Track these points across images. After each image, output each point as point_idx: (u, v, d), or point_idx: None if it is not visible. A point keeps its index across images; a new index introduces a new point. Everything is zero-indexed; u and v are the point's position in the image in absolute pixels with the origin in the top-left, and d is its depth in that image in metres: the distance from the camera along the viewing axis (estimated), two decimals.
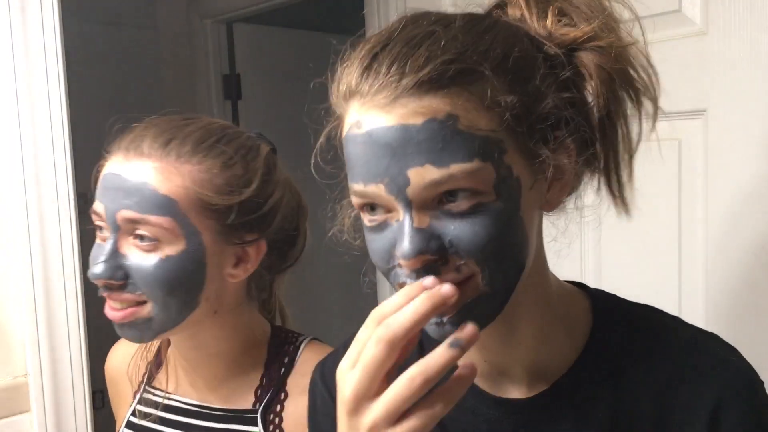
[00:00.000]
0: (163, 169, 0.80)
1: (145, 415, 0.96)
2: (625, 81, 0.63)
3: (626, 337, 0.68)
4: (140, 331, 0.84)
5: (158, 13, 2.90)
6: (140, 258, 0.80)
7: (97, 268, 0.80)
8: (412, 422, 0.53)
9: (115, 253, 0.81)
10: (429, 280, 0.56)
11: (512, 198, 0.58)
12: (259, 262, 0.88)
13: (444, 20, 0.60)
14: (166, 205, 0.79)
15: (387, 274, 0.61)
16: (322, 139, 0.68)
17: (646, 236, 1.22)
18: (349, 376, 0.54)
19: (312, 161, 0.69)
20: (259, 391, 0.90)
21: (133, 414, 0.98)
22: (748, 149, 1.14)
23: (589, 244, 1.27)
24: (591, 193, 0.68)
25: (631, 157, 0.65)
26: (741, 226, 1.16)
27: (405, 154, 0.55)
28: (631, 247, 1.21)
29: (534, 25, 0.63)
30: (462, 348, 0.53)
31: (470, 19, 0.62)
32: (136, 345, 0.99)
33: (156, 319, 0.82)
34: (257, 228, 0.86)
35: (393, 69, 0.56)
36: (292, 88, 2.91)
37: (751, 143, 1.14)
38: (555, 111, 0.59)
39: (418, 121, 0.55)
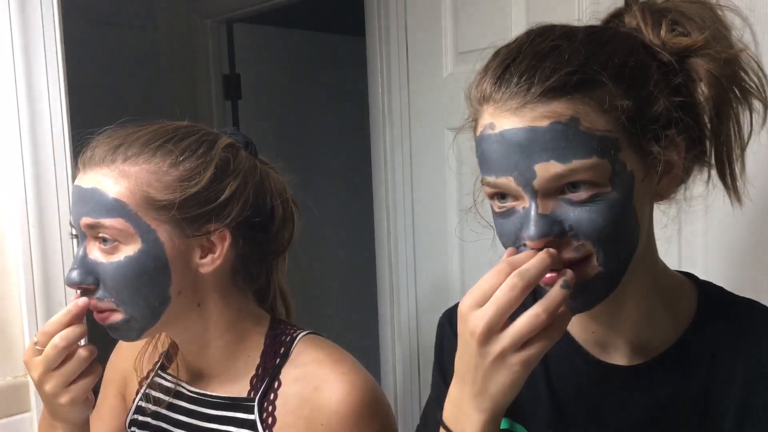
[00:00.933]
0: (110, 173, 0.85)
1: (157, 401, 0.99)
2: (734, 84, 0.70)
3: (727, 324, 0.74)
4: (124, 331, 0.89)
5: (158, 13, 2.90)
6: (104, 260, 0.85)
7: (70, 274, 0.86)
8: (533, 348, 0.63)
9: (85, 259, 0.86)
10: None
11: (626, 190, 0.66)
12: (238, 251, 0.91)
13: (568, 34, 0.69)
14: (116, 208, 0.84)
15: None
16: (457, 132, 0.78)
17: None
18: (479, 312, 0.63)
19: (450, 152, 0.80)
20: (254, 380, 0.93)
21: (143, 399, 1.01)
22: (748, 149, 1.14)
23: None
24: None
25: (743, 151, 0.73)
26: (741, 226, 1.16)
27: (532, 151, 0.64)
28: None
29: (649, 34, 0.70)
30: (569, 287, 0.64)
31: (592, 32, 0.70)
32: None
33: (132, 320, 0.87)
34: (216, 218, 0.88)
35: (523, 79, 0.65)
36: (292, 88, 2.93)
37: (751, 143, 1.13)
38: (666, 113, 0.67)
39: (545, 123, 0.64)
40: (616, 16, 0.75)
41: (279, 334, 0.96)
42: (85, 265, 0.86)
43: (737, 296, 0.78)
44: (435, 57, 1.71)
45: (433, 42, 1.70)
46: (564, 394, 0.78)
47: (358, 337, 2.03)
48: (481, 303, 0.64)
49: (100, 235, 0.85)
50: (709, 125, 0.71)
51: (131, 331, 0.88)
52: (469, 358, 0.65)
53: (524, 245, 0.67)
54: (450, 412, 0.70)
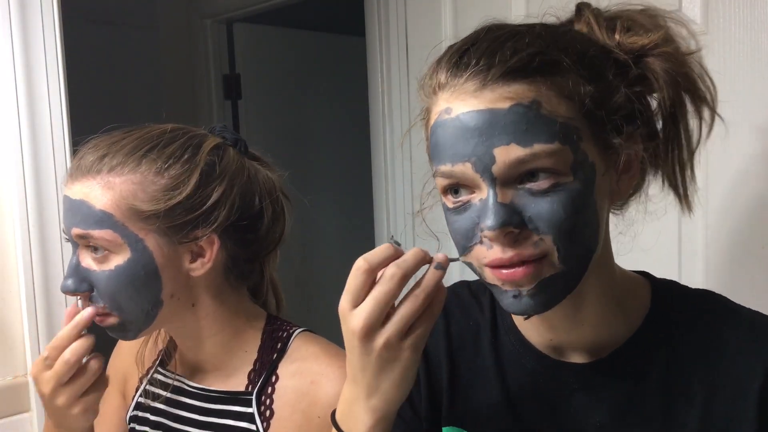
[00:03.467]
0: (97, 185, 0.86)
1: (155, 396, 1.01)
2: (690, 85, 0.69)
3: (682, 316, 0.73)
4: (121, 332, 0.91)
5: (158, 13, 2.89)
6: (96, 269, 0.87)
7: (65, 282, 0.88)
8: (419, 330, 0.63)
9: (78, 267, 0.88)
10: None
11: (587, 181, 0.63)
12: (228, 252, 0.92)
13: (526, 24, 0.68)
14: (103, 220, 0.85)
15: (467, 252, 0.66)
16: (405, 132, 0.77)
17: (646, 236, 1.22)
18: (358, 310, 0.62)
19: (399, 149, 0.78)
20: (252, 375, 0.95)
21: (143, 395, 1.03)
22: (748, 149, 1.14)
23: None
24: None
25: (691, 155, 0.71)
26: (741, 226, 1.16)
27: (492, 134, 0.61)
28: (631, 246, 1.21)
29: (603, 36, 0.69)
30: (443, 268, 0.63)
31: (548, 25, 0.69)
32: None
33: (127, 323, 0.89)
34: (203, 224, 0.88)
35: (483, 61, 0.62)
36: (292, 88, 2.93)
37: (751, 143, 1.14)
38: (626, 104, 0.65)
39: (505, 105, 0.61)
40: (568, 23, 0.74)
41: (275, 329, 0.98)
42: (78, 272, 0.87)
43: (690, 288, 0.77)
44: (435, 57, 1.71)
45: (433, 42, 1.70)
46: (520, 398, 0.76)
47: None
48: (359, 300, 0.62)
49: (91, 244, 0.86)
50: (662, 126, 0.69)
51: (127, 332, 0.90)
52: (356, 358, 0.64)
53: (482, 241, 0.64)
54: (342, 411, 0.69)
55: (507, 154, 0.61)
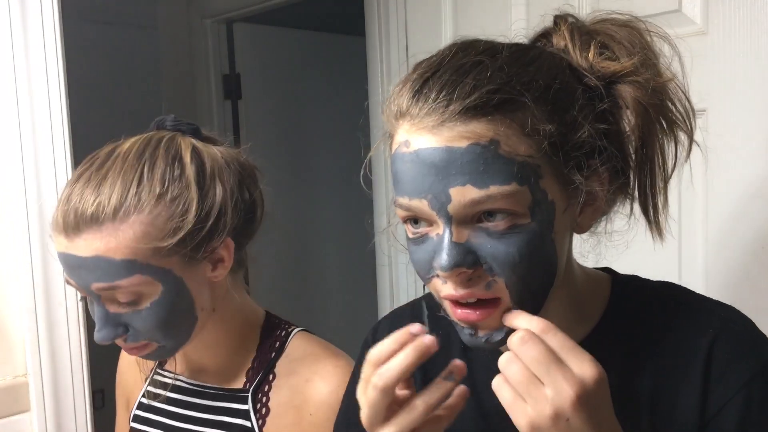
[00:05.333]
0: (105, 237, 0.81)
1: (155, 396, 1.02)
2: (661, 114, 0.67)
3: (638, 313, 0.72)
4: (160, 355, 0.91)
5: (158, 13, 2.89)
6: (130, 313, 0.84)
7: (100, 335, 0.85)
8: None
9: (108, 316, 0.85)
10: (416, 327, 0.62)
11: (546, 221, 0.62)
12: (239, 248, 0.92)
13: (491, 50, 0.65)
14: (127, 267, 0.82)
15: (427, 282, 0.66)
16: (370, 154, 0.74)
17: (646, 236, 1.22)
18: (362, 407, 0.63)
19: (362, 173, 0.76)
20: (250, 373, 0.96)
21: (144, 396, 1.04)
22: (748, 149, 1.14)
23: (590, 243, 1.27)
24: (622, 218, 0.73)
25: (666, 183, 0.69)
26: (741, 226, 1.16)
27: (448, 173, 0.60)
28: (631, 246, 1.21)
29: (576, 56, 0.67)
30: (456, 380, 0.62)
31: (516, 50, 0.66)
32: None
33: (168, 346, 0.89)
34: (217, 233, 0.87)
35: (442, 95, 0.61)
36: (292, 88, 2.93)
37: (751, 143, 1.14)
38: (590, 140, 0.63)
39: (463, 144, 0.59)
40: (545, 35, 0.72)
41: (274, 328, 0.99)
42: (111, 320, 0.85)
43: (651, 281, 0.76)
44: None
45: (433, 42, 1.70)
46: (491, 404, 0.72)
47: (358, 336, 2.03)
48: (380, 419, 0.62)
49: (117, 297, 0.83)
50: (633, 156, 0.68)
51: (167, 353, 0.90)
52: None
53: (437, 276, 0.63)
54: None
55: (463, 194, 0.59)
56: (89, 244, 0.82)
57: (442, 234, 0.62)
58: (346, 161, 2.98)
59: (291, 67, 2.90)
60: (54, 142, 1.31)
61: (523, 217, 0.61)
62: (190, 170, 0.86)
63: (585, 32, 0.69)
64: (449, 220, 0.61)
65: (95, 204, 0.82)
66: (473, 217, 0.61)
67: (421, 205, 0.62)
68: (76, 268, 0.83)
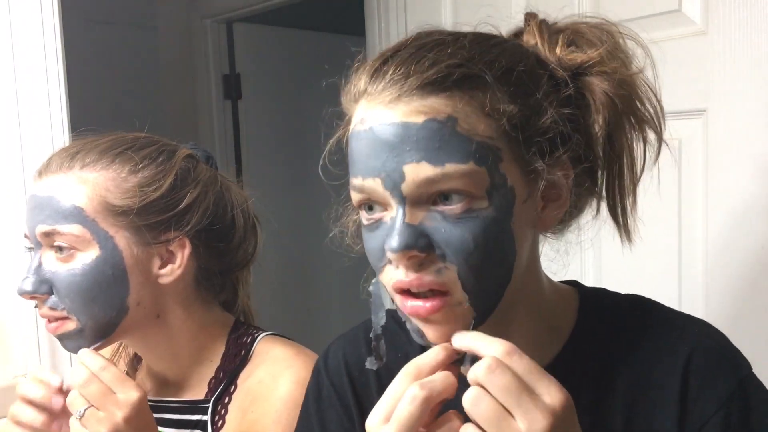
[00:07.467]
0: (68, 180, 0.84)
1: None
2: (629, 108, 0.65)
3: (609, 328, 0.69)
4: (76, 341, 0.86)
5: (158, 13, 2.89)
6: (59, 268, 0.83)
7: (23, 284, 0.84)
8: None
9: (39, 268, 0.84)
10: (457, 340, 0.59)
11: (504, 207, 0.59)
12: (200, 261, 0.90)
13: (455, 34, 0.63)
14: (73, 214, 0.82)
15: (380, 272, 0.63)
16: (332, 142, 0.71)
17: (646, 236, 1.22)
18: (383, 430, 0.56)
19: (320, 163, 0.72)
20: (212, 382, 0.93)
21: None
22: (748, 149, 1.14)
23: (589, 242, 1.27)
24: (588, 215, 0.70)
25: (635, 185, 0.67)
26: (741, 226, 1.16)
27: (403, 150, 0.57)
28: (631, 246, 1.21)
29: (545, 50, 0.65)
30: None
31: (480, 34, 0.65)
32: (108, 348, 0.98)
33: (86, 329, 0.85)
34: (175, 226, 0.87)
35: (400, 71, 0.58)
36: (292, 88, 2.93)
37: (751, 143, 1.14)
38: (554, 126, 0.60)
39: (419, 119, 0.57)
40: (517, 35, 0.70)
41: (240, 335, 0.96)
42: (38, 273, 0.84)
43: (619, 295, 0.74)
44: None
45: None
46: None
47: None
48: (388, 417, 0.57)
49: (56, 243, 0.83)
50: (601, 154, 0.65)
51: (83, 340, 0.86)
52: None
53: (389, 263, 0.60)
54: None
55: (417, 172, 0.57)
56: (49, 185, 0.84)
57: (395, 216, 0.58)
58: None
59: (291, 67, 2.90)
60: (54, 141, 1.31)
61: (480, 201, 0.58)
62: (177, 164, 0.88)
63: (555, 30, 0.67)
64: (403, 200, 0.58)
65: (73, 153, 0.85)
66: (428, 198, 0.58)
67: (375, 185, 0.59)
68: (32, 209, 0.85)
